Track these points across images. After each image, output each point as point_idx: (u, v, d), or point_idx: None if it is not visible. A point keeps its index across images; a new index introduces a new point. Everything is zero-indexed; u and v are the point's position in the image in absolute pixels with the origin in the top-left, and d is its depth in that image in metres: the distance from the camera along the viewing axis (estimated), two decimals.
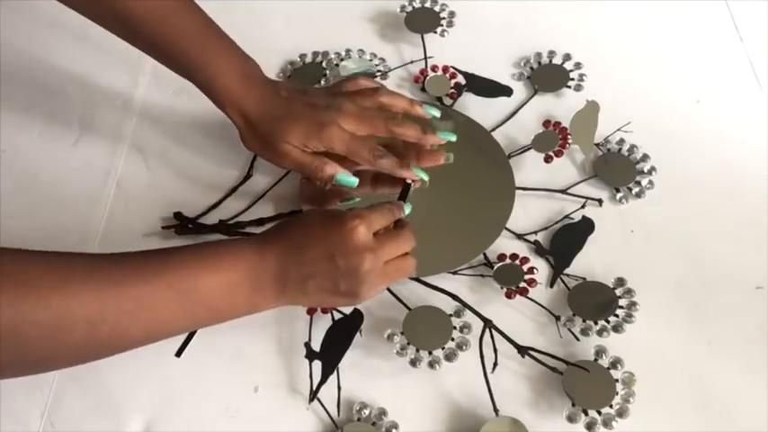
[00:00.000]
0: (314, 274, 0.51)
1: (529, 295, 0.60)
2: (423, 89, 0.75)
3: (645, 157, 0.68)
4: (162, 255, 0.49)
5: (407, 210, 0.58)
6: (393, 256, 0.54)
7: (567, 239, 0.64)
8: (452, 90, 0.74)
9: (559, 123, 0.70)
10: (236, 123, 0.61)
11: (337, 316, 0.59)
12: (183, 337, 0.57)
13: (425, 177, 0.62)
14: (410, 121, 0.61)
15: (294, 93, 0.62)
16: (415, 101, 0.63)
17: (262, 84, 0.62)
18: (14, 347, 0.42)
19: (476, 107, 0.73)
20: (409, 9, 0.80)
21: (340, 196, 0.64)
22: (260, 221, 0.66)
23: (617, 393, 0.55)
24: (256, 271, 0.51)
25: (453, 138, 0.63)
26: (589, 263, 0.62)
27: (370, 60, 0.77)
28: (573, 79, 0.74)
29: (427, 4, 0.80)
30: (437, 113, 0.63)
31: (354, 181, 0.60)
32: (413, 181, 0.61)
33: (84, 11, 0.60)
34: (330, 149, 0.59)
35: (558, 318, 0.59)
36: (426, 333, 0.58)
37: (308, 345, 0.58)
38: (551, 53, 0.76)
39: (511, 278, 0.61)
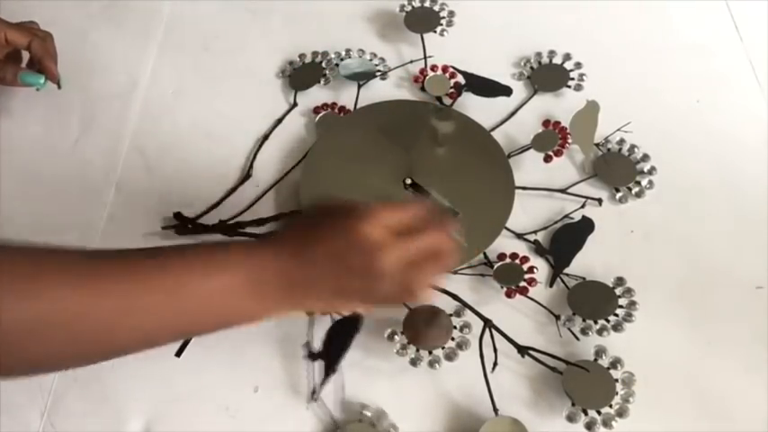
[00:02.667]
0: (323, 276, 0.47)
1: (529, 295, 0.60)
2: (422, 89, 0.75)
3: (645, 157, 0.68)
4: (158, 254, 0.47)
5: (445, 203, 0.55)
6: (413, 251, 0.47)
7: (566, 239, 0.64)
8: (452, 90, 0.74)
9: (559, 123, 0.70)
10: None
11: (337, 316, 0.59)
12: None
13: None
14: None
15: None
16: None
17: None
18: (10, 343, 0.41)
19: (475, 107, 0.73)
20: (409, 9, 0.80)
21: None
22: (260, 221, 0.66)
23: (617, 393, 0.55)
24: (256, 275, 0.47)
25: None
26: (589, 262, 0.62)
27: (370, 60, 0.77)
28: (573, 79, 0.74)
29: (427, 4, 0.80)
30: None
31: (40, 78, 0.65)
32: None
33: None
34: None
35: (557, 317, 0.59)
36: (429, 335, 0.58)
37: (308, 345, 0.58)
38: (551, 53, 0.76)
39: (511, 277, 0.61)
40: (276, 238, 0.50)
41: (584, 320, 0.59)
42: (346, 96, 0.75)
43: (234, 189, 0.69)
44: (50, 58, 0.70)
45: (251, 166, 0.70)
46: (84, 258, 0.45)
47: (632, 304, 0.59)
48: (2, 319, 0.40)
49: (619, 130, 0.69)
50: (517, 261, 0.62)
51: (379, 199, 0.52)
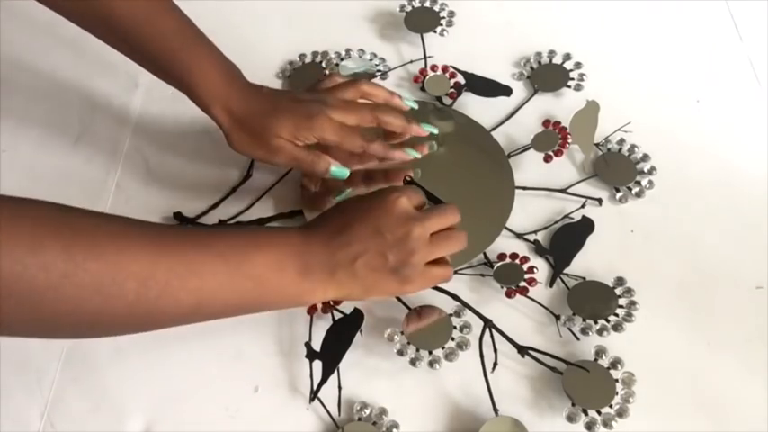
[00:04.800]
0: (362, 253, 0.51)
1: (529, 294, 0.60)
2: (422, 89, 0.75)
3: (645, 157, 0.68)
4: (213, 230, 0.51)
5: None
6: (439, 227, 0.54)
7: (566, 239, 0.64)
8: (452, 90, 0.74)
9: (559, 123, 0.70)
10: (222, 123, 0.60)
11: (337, 315, 0.60)
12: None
13: (418, 155, 0.64)
14: (394, 111, 0.62)
15: (276, 91, 0.62)
16: (395, 93, 0.64)
17: (244, 84, 0.62)
18: (68, 296, 0.42)
19: (475, 107, 0.73)
20: (409, 9, 0.80)
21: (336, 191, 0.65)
22: (260, 221, 0.66)
23: (617, 393, 0.55)
24: (303, 255, 0.51)
25: (435, 130, 0.64)
26: (589, 262, 0.62)
27: (370, 60, 0.77)
28: (573, 79, 0.74)
29: (427, 4, 0.80)
30: (434, 130, 0.65)
31: (347, 172, 0.61)
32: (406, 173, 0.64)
33: (64, 12, 0.59)
34: (321, 140, 0.59)
35: (557, 317, 0.59)
36: (426, 333, 0.58)
37: (308, 344, 0.58)
38: (551, 53, 0.76)
39: (511, 277, 0.61)
40: (318, 222, 0.54)
41: (584, 320, 0.59)
42: None
43: (234, 189, 0.69)
44: (395, 152, 0.63)
45: (251, 166, 0.70)
46: (158, 228, 0.48)
47: (632, 304, 0.59)
48: (78, 269, 0.41)
49: (619, 130, 0.69)
50: (517, 261, 0.62)
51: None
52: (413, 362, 0.57)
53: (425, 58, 0.77)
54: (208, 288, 0.47)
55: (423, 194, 0.56)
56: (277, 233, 0.53)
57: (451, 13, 0.79)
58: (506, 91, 0.74)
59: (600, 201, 0.66)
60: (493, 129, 0.71)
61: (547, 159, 0.69)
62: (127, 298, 0.44)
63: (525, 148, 0.69)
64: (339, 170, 0.61)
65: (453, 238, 0.55)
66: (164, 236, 0.47)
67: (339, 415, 0.56)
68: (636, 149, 0.69)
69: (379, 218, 0.52)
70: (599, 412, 0.54)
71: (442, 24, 0.78)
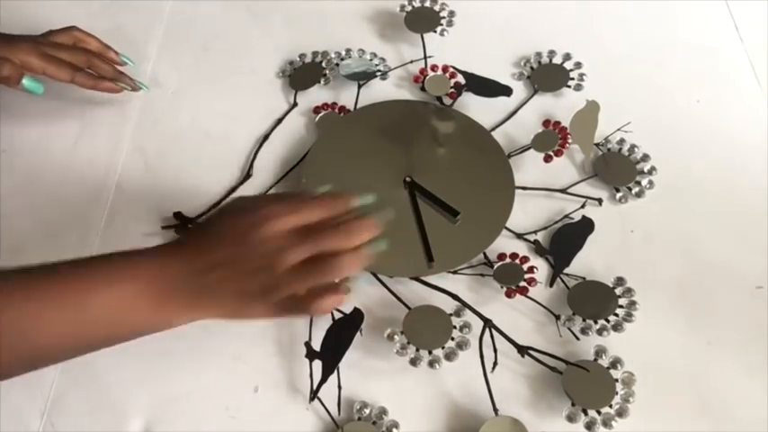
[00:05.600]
0: (225, 277, 0.47)
1: (529, 295, 0.60)
2: (422, 89, 0.75)
3: (645, 157, 0.68)
4: (56, 269, 0.46)
5: (368, 200, 0.52)
6: (314, 252, 0.48)
7: (566, 239, 0.64)
8: (452, 90, 0.74)
9: (559, 123, 0.70)
10: None
11: (337, 315, 0.60)
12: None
13: (128, 88, 0.72)
14: (105, 59, 0.71)
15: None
16: (110, 47, 0.72)
17: None
18: None
19: (475, 107, 0.73)
20: (409, 9, 0.80)
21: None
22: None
23: (617, 393, 0.55)
24: (160, 283, 0.47)
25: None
26: (589, 262, 0.62)
27: (370, 60, 0.77)
28: (573, 79, 0.74)
29: (427, 4, 0.80)
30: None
31: (41, 88, 0.65)
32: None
33: None
34: (25, 64, 0.64)
35: (557, 317, 0.59)
36: (426, 333, 0.58)
37: (308, 344, 0.58)
38: (551, 53, 0.76)
39: (511, 277, 0.61)
40: (176, 246, 0.50)
41: (584, 320, 0.59)
42: (346, 96, 0.75)
43: (234, 189, 0.69)
44: (104, 82, 0.70)
45: (251, 166, 0.70)
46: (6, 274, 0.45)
47: (632, 304, 0.59)
48: None
49: (619, 130, 0.69)
50: (517, 261, 0.62)
51: (376, 199, 0.52)
52: (413, 362, 0.57)
53: (425, 58, 0.77)
54: (56, 333, 0.45)
55: (309, 213, 0.49)
56: (131, 262, 0.48)
57: (451, 13, 0.79)
58: (506, 91, 0.74)
59: (600, 201, 0.66)
60: (493, 129, 0.71)
61: (547, 159, 0.69)
62: None
63: (525, 148, 0.69)
64: (32, 83, 0.65)
65: (328, 266, 0.48)
66: (6, 284, 0.44)
67: (339, 415, 0.56)
68: (636, 149, 0.69)
69: (242, 243, 0.47)
70: (599, 412, 0.54)
71: (442, 24, 0.78)
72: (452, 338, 0.58)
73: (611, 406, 0.54)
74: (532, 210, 0.66)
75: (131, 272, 0.47)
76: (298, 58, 0.78)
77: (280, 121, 0.73)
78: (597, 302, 0.60)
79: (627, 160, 0.68)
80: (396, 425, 0.55)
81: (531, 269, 0.62)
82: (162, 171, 0.71)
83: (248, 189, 0.69)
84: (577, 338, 0.59)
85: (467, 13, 0.79)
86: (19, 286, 0.45)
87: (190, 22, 0.82)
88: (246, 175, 0.69)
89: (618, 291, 0.60)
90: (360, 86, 0.75)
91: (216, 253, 0.48)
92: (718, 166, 0.68)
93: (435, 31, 0.78)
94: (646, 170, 0.68)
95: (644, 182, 0.67)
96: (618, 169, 0.68)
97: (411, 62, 0.77)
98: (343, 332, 0.58)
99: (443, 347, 0.58)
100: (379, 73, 0.76)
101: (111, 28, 0.80)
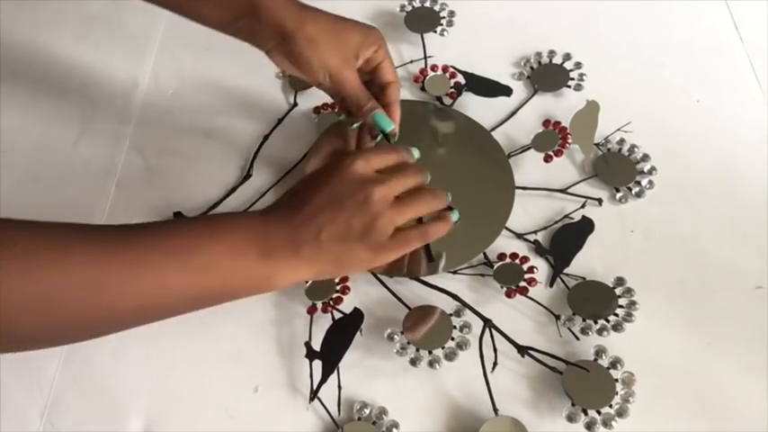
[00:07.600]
0: (324, 224, 0.48)
1: (529, 295, 0.60)
2: (422, 89, 0.75)
3: (645, 157, 0.68)
4: (165, 223, 0.49)
5: (416, 154, 0.56)
6: (403, 187, 0.51)
7: (566, 239, 0.64)
8: (452, 90, 0.74)
9: (559, 123, 0.70)
10: (294, 34, 0.58)
11: (337, 315, 0.60)
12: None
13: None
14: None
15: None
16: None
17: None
18: (14, 312, 0.40)
19: (476, 107, 0.73)
20: (409, 9, 0.80)
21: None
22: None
23: (617, 393, 0.55)
24: (263, 238, 0.48)
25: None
26: (589, 262, 0.62)
27: None
28: (573, 79, 0.74)
29: (427, 4, 0.80)
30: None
31: (391, 124, 0.61)
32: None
33: None
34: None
35: (557, 317, 0.59)
36: (426, 333, 0.58)
37: (308, 344, 0.58)
38: (551, 53, 0.76)
39: (511, 277, 0.61)
40: (272, 207, 0.51)
41: (584, 320, 0.59)
42: None
43: (234, 189, 0.69)
44: (398, 107, 0.63)
45: (251, 166, 0.70)
46: (105, 230, 0.46)
47: (632, 304, 0.59)
48: (28, 284, 0.40)
49: (619, 130, 0.69)
50: (517, 261, 0.62)
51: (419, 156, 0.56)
52: (413, 362, 0.57)
53: (425, 57, 0.77)
54: (161, 285, 0.45)
55: (387, 155, 0.53)
56: (233, 219, 0.51)
57: (451, 13, 0.79)
58: (506, 91, 0.74)
59: (600, 201, 0.66)
60: (493, 129, 0.71)
61: (547, 159, 0.69)
62: (73, 307, 0.42)
63: (525, 148, 0.69)
64: (382, 118, 0.60)
65: (423, 197, 0.52)
66: (109, 238, 0.45)
67: (339, 415, 0.56)
68: (636, 149, 0.69)
69: (335, 185, 0.49)
70: (599, 412, 0.54)
71: (442, 24, 0.78)
72: (452, 338, 0.58)
73: (611, 406, 0.54)
74: (532, 210, 0.66)
75: (235, 227, 0.48)
76: None
77: (280, 121, 0.73)
78: (597, 302, 0.60)
79: (627, 160, 0.68)
80: (396, 425, 0.55)
81: (531, 269, 0.62)
82: (162, 171, 0.71)
83: (248, 189, 0.69)
84: (577, 338, 0.59)
85: (467, 13, 0.79)
86: (122, 243, 0.45)
87: (190, 22, 0.82)
88: (246, 175, 0.69)
89: (618, 291, 0.60)
90: None
91: (311, 204, 0.49)
92: (718, 167, 0.68)
93: (435, 31, 0.78)
94: (646, 170, 0.68)
95: (644, 182, 0.67)
96: (618, 169, 0.68)
97: (411, 62, 0.77)
98: (343, 332, 0.58)
99: (443, 347, 0.58)
100: None
101: (111, 28, 0.80)
